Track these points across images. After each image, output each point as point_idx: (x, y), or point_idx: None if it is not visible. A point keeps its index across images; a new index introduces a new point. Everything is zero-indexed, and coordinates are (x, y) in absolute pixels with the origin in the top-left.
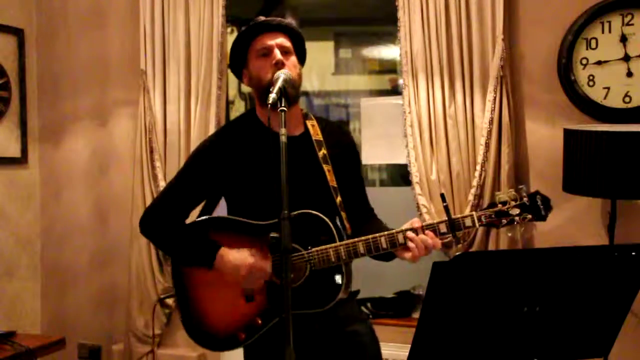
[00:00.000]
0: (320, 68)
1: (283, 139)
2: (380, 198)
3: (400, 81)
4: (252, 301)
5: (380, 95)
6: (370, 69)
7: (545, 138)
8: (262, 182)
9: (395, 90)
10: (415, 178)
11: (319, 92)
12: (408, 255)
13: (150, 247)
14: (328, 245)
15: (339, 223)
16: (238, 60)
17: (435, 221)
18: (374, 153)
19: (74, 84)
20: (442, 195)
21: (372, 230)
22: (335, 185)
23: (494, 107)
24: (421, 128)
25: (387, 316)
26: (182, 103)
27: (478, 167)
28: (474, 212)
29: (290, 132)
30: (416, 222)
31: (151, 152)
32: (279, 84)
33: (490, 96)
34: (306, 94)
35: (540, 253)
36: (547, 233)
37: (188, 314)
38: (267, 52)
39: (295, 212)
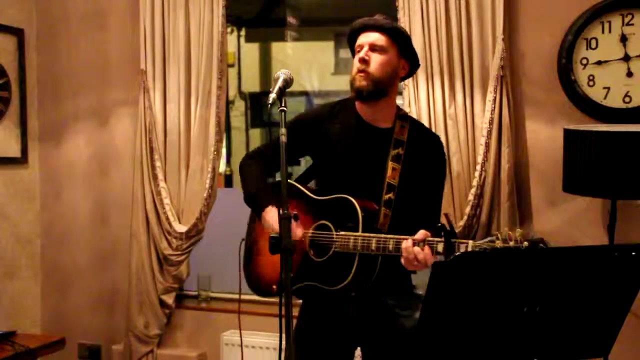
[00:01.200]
0: (320, 68)
1: (283, 139)
2: None
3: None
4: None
5: None
6: None
7: (545, 138)
8: (337, 160)
9: None
10: None
11: (319, 92)
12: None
13: (151, 246)
14: (351, 233)
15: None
16: (351, 49)
17: (435, 239)
18: None
19: (74, 83)
20: (446, 216)
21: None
22: (394, 184)
23: (494, 107)
24: None
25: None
26: (182, 103)
27: (478, 167)
28: (470, 242)
29: (377, 123)
30: (421, 234)
31: (151, 151)
32: (278, 83)
33: (490, 96)
34: (306, 93)
35: (540, 253)
36: (547, 233)
37: (247, 257)
38: (359, 49)
39: (338, 195)
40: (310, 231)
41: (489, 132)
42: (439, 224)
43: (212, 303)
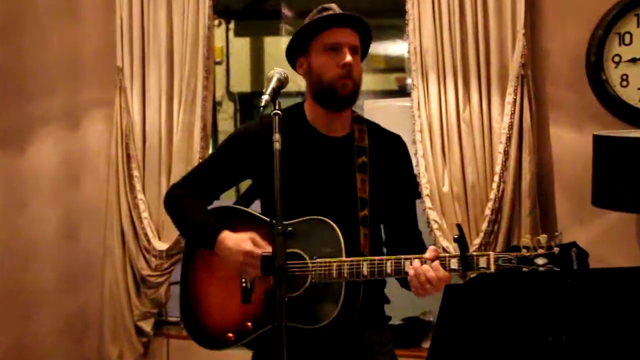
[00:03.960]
0: None
1: (277, 145)
2: None
3: (409, 81)
4: (247, 303)
5: (385, 96)
6: (374, 67)
7: (572, 145)
8: (292, 180)
9: (402, 91)
10: (425, 190)
11: None
12: (413, 287)
13: (127, 266)
14: (333, 259)
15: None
16: (297, 47)
17: (447, 254)
18: None
19: (41, 82)
20: (459, 227)
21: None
22: (366, 198)
23: (514, 111)
24: (432, 134)
25: (393, 345)
26: (163, 104)
27: (496, 178)
28: (491, 253)
29: (333, 133)
30: (430, 252)
31: (128, 159)
32: (272, 83)
33: (509, 98)
34: (302, 94)
35: (566, 275)
36: None
37: (187, 299)
38: (337, 48)
39: (308, 218)
40: None
41: (508, 139)
42: (455, 236)
43: None
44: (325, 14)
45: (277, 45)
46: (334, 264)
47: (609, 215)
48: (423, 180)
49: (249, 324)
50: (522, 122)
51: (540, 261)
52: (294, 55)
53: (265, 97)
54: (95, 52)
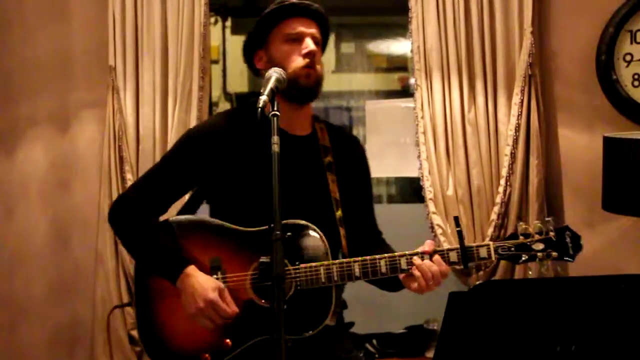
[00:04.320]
0: None
1: (275, 148)
2: (387, 217)
3: (412, 81)
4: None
5: (388, 97)
6: (376, 66)
7: (581, 147)
8: (254, 184)
9: (405, 91)
10: (428, 194)
11: None
12: (414, 285)
13: (120, 273)
14: (319, 263)
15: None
16: (256, 40)
17: (445, 248)
18: (381, 165)
19: (29, 82)
20: (456, 219)
21: (377, 255)
22: (338, 198)
23: (521, 112)
24: (436, 135)
25: (395, 355)
26: (157, 105)
27: (502, 182)
28: (490, 242)
29: (296, 130)
30: (428, 246)
31: (121, 162)
32: (270, 84)
33: (516, 99)
34: None
35: (575, 282)
36: (585, 259)
37: (147, 323)
38: (298, 38)
39: (286, 222)
40: (250, 273)
41: (515, 141)
42: (458, 229)
43: None
44: (284, 3)
45: None
46: (322, 268)
47: (621, 220)
48: (427, 183)
49: (228, 340)
50: (529, 124)
51: (537, 247)
52: (252, 49)
53: (263, 98)
54: (85, 50)
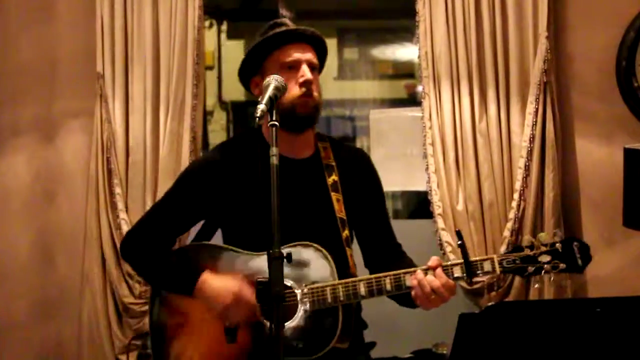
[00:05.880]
0: None
1: (274, 160)
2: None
3: (419, 88)
4: (234, 342)
5: (393, 105)
6: (381, 73)
7: (600, 159)
8: (257, 208)
9: (412, 100)
10: (437, 209)
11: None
12: (418, 300)
13: (107, 293)
14: (325, 283)
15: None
16: (251, 66)
17: (450, 262)
18: (387, 178)
19: (12, 89)
20: (458, 233)
21: (396, 270)
22: (344, 217)
23: (536, 121)
24: (445, 147)
25: None
26: (148, 114)
27: (516, 196)
28: (494, 255)
29: (298, 154)
30: (432, 262)
31: (109, 174)
32: (269, 92)
33: (531, 108)
34: None
35: (591, 304)
36: (603, 278)
37: (162, 352)
38: (294, 66)
39: (291, 244)
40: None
41: (530, 152)
42: (459, 242)
43: None
44: (278, 30)
45: None
46: (328, 288)
47: None
48: (435, 198)
49: None
50: (544, 134)
51: (544, 259)
52: (247, 75)
53: (261, 107)
54: (72, 55)
